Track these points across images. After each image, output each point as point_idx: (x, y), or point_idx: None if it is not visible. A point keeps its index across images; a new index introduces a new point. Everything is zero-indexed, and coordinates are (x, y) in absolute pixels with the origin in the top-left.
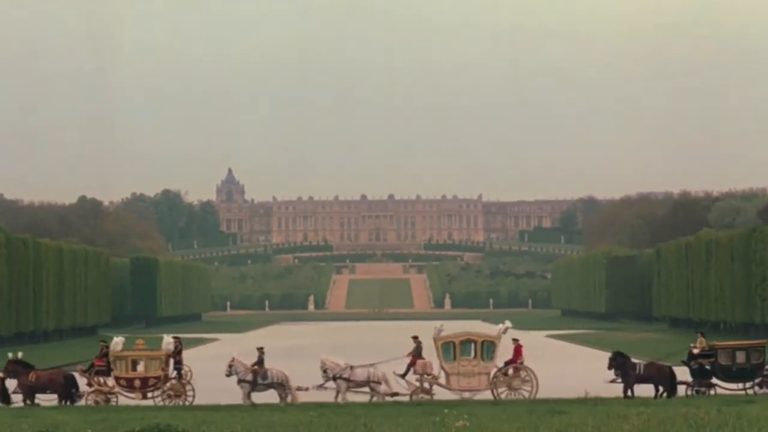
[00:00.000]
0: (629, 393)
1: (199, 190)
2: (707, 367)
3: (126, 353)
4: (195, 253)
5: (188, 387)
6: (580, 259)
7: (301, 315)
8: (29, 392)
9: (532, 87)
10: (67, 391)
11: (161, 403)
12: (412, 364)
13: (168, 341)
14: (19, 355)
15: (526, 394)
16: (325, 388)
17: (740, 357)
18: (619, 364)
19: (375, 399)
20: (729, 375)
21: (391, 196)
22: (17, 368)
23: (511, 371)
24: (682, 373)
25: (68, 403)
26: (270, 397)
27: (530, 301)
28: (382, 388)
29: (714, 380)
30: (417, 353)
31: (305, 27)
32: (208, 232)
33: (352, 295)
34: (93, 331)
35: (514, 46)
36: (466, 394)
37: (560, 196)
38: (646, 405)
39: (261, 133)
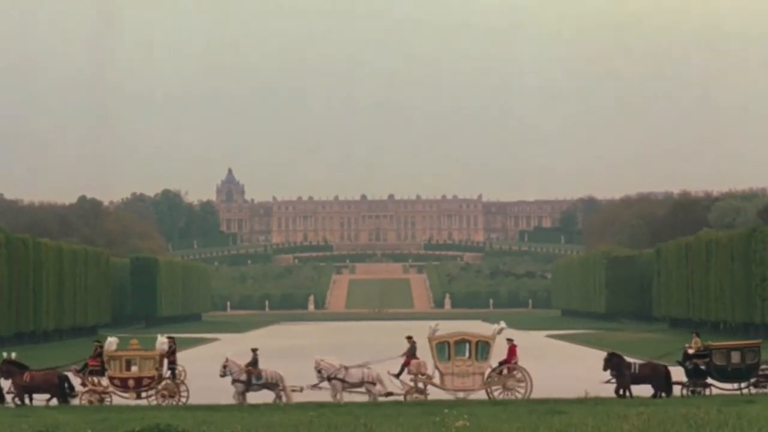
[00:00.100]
0: (624, 393)
1: (199, 190)
2: (702, 367)
3: (120, 353)
4: (195, 253)
5: (182, 387)
6: (580, 259)
7: (301, 315)
8: (23, 392)
9: (532, 87)
10: (62, 391)
11: (155, 403)
12: (406, 364)
13: (162, 341)
14: (13, 355)
15: (521, 394)
16: (320, 389)
17: (735, 357)
18: (615, 364)
19: (369, 399)
20: (724, 375)
21: (391, 196)
22: (11, 368)
23: (505, 371)
24: (678, 373)
25: (62, 403)
26: (264, 397)
27: (530, 301)
28: (377, 388)
29: (709, 380)
30: (411, 353)
31: (305, 27)
32: (208, 232)
33: (352, 295)
34: (93, 331)
35: (514, 46)
36: (461, 394)
37: (560, 196)
38: (646, 405)
39: (261, 133)
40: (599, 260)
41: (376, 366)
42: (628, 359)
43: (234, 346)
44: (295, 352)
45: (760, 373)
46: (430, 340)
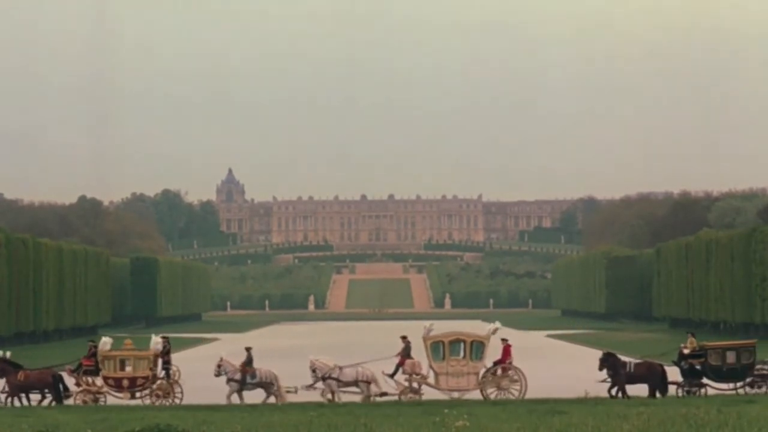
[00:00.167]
0: (619, 393)
1: (199, 190)
2: (698, 367)
3: (114, 353)
4: (195, 253)
5: (176, 387)
6: (580, 259)
7: (301, 315)
8: (18, 391)
9: (532, 87)
10: (56, 390)
11: (149, 403)
12: (400, 364)
13: (156, 341)
14: (8, 354)
15: (515, 394)
16: (314, 389)
17: (730, 357)
18: (610, 363)
19: (363, 398)
20: (719, 375)
21: (391, 196)
22: (6, 367)
23: (500, 371)
24: (673, 373)
25: (57, 402)
26: (258, 397)
27: (530, 301)
28: (371, 387)
29: (705, 380)
30: (406, 353)
31: (305, 27)
32: (208, 232)
33: (352, 295)
34: (93, 331)
35: (514, 46)
36: (455, 394)
37: (560, 196)
38: (646, 405)
39: (261, 133)
40: (599, 260)
41: (371, 366)
42: (624, 359)
43: (233, 346)
44: (293, 352)
45: (756, 373)
46: (424, 339)
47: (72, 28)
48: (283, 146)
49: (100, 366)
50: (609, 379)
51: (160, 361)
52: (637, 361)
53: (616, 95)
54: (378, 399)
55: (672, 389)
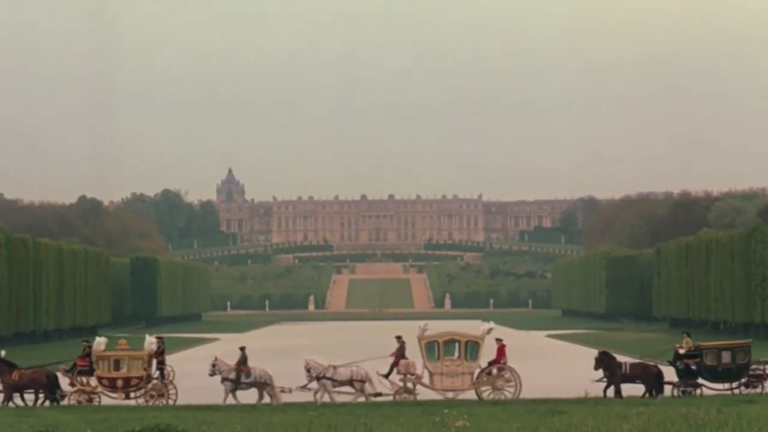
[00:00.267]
0: (614, 392)
1: (199, 190)
2: (693, 367)
3: (108, 353)
4: (195, 253)
5: (171, 387)
6: (580, 259)
7: (301, 315)
8: (12, 391)
9: (532, 87)
10: (50, 389)
11: (143, 404)
12: (395, 364)
13: (150, 341)
14: (2, 353)
15: (510, 394)
16: (309, 389)
17: (726, 357)
18: (606, 364)
19: (358, 399)
20: (715, 375)
21: (391, 196)
22: (1, 367)
23: (494, 371)
24: (669, 373)
25: (51, 402)
26: (254, 397)
27: (530, 301)
28: (366, 387)
29: (700, 380)
30: (400, 353)
31: (305, 27)
32: (208, 232)
33: (352, 295)
34: (93, 331)
35: (513, 46)
36: (450, 394)
37: (560, 196)
38: (646, 405)
39: (261, 133)
40: (599, 260)
41: (365, 365)
42: (619, 359)
43: (233, 346)
44: (288, 352)
45: (751, 373)
46: (419, 339)
47: (72, 28)
48: (283, 146)
49: (95, 366)
50: (605, 379)
51: (154, 362)
52: (633, 361)
53: (616, 95)
54: (372, 399)
55: (667, 389)
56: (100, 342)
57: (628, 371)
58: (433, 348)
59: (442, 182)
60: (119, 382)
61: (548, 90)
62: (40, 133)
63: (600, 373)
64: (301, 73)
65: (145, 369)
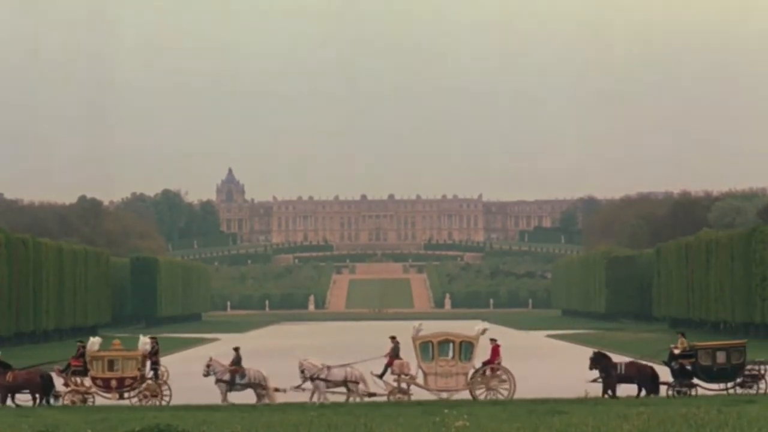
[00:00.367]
0: (610, 393)
1: (199, 190)
2: (688, 367)
3: (102, 353)
4: (195, 253)
5: (164, 387)
6: (580, 259)
7: (301, 315)
8: (6, 392)
9: (532, 87)
10: (45, 390)
11: (137, 404)
12: (389, 365)
13: (144, 341)
14: None
15: (504, 395)
16: (303, 389)
17: (721, 357)
18: (602, 365)
19: (351, 399)
20: (710, 375)
21: (391, 196)
22: None
23: (488, 372)
24: (665, 373)
25: (45, 403)
26: (248, 397)
27: (530, 301)
28: (360, 388)
29: (695, 380)
30: (395, 353)
31: (305, 27)
32: (208, 232)
33: (352, 295)
34: (93, 331)
35: (513, 46)
36: (444, 395)
37: (560, 196)
38: (646, 405)
39: (261, 133)
40: (599, 260)
41: (360, 366)
42: (615, 359)
43: (231, 346)
44: (287, 352)
45: (746, 373)
46: (413, 340)
47: (72, 28)
48: (283, 146)
49: (89, 366)
50: (600, 380)
51: (148, 362)
52: (628, 361)
53: (616, 95)
54: (366, 399)
55: (663, 389)
56: (94, 342)
57: (623, 371)
58: (427, 348)
59: (442, 182)
60: (113, 383)
61: (548, 90)
62: (40, 133)
63: (595, 373)
64: (301, 73)
65: (139, 369)
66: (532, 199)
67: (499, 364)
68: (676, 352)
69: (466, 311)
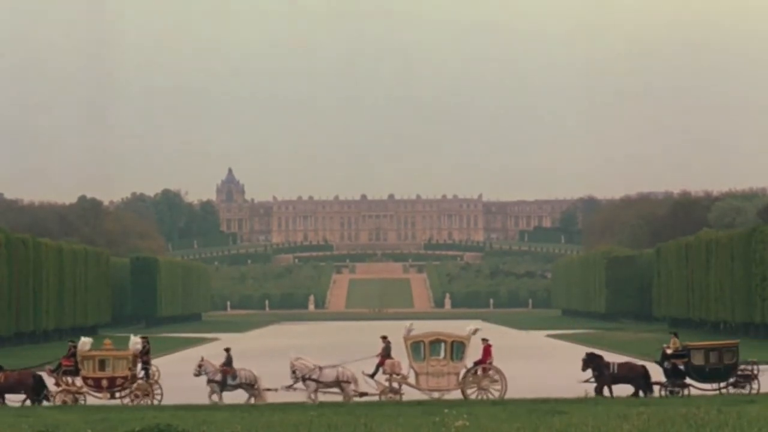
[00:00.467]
0: (603, 392)
1: (199, 190)
2: (681, 367)
3: (93, 353)
4: (195, 253)
5: (156, 387)
6: (580, 259)
7: (301, 315)
8: None
9: (533, 87)
10: (37, 391)
11: (129, 403)
12: (380, 364)
13: (135, 341)
14: None
15: (496, 395)
16: (294, 389)
17: (713, 357)
18: (594, 365)
19: (344, 399)
20: (702, 375)
21: (391, 196)
22: None
23: (480, 371)
24: (658, 373)
25: (37, 403)
26: (238, 397)
27: (530, 301)
28: (351, 387)
29: (688, 380)
30: (386, 353)
31: (305, 27)
32: (208, 232)
33: (352, 294)
34: (93, 331)
35: (513, 46)
36: (435, 394)
37: (560, 196)
38: (646, 405)
39: (261, 133)
40: (599, 260)
41: (351, 366)
42: (607, 359)
43: (235, 346)
44: (285, 352)
45: (739, 373)
46: (405, 339)
47: (72, 27)
48: (283, 146)
49: (80, 366)
50: (593, 380)
51: (139, 362)
52: (620, 361)
53: (616, 95)
54: (357, 399)
55: (656, 389)
56: (85, 342)
57: (615, 371)
58: (418, 348)
59: (442, 182)
60: (104, 382)
61: (548, 90)
62: (40, 133)
63: (588, 373)
64: (302, 73)
65: (130, 369)
66: (532, 199)
67: (490, 363)
68: (669, 351)
69: (466, 311)
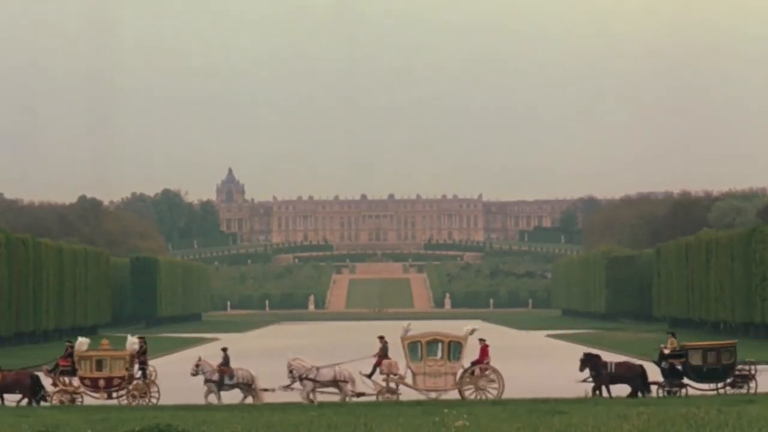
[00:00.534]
0: (601, 392)
1: (199, 190)
2: (678, 367)
3: (90, 353)
4: (195, 253)
5: (153, 387)
6: (580, 259)
7: (301, 315)
8: None
9: (532, 87)
10: (34, 391)
11: (126, 403)
12: (378, 364)
13: (132, 341)
14: None
15: (493, 395)
16: (292, 389)
17: (711, 357)
18: (592, 364)
19: (340, 399)
20: (700, 375)
21: (391, 196)
22: None
23: (477, 371)
24: (655, 373)
25: (35, 403)
26: (234, 396)
27: (530, 301)
28: (348, 387)
29: (685, 380)
30: (383, 353)
31: (305, 27)
32: (208, 232)
33: (352, 294)
34: (93, 331)
35: (513, 47)
36: (433, 395)
37: (560, 196)
38: (646, 405)
39: (261, 133)
40: (599, 260)
41: (349, 366)
42: (605, 359)
43: (235, 346)
44: (284, 352)
45: (737, 373)
46: (402, 339)
47: (72, 27)
48: (283, 146)
49: (77, 366)
50: (590, 379)
51: (136, 362)
52: (618, 361)
53: (616, 95)
54: (354, 399)
55: (653, 389)
56: (82, 342)
57: (613, 371)
58: (416, 348)
59: (442, 182)
60: (101, 382)
61: (548, 90)
62: (40, 133)
63: (585, 373)
64: (301, 73)
65: (127, 369)
66: (532, 199)
67: (487, 363)
68: (666, 351)
69: (466, 311)
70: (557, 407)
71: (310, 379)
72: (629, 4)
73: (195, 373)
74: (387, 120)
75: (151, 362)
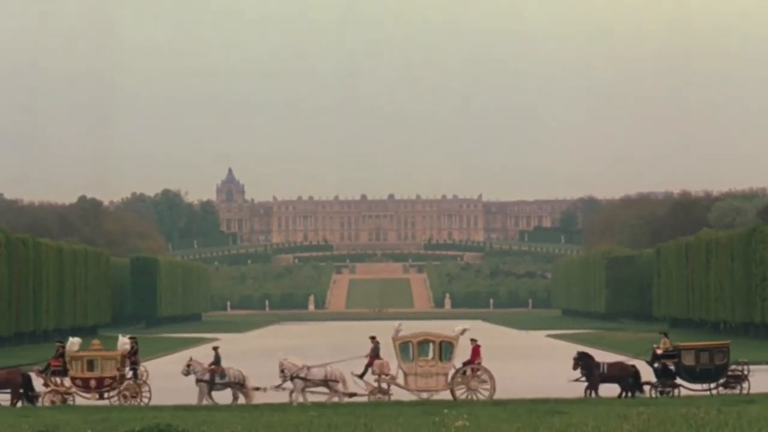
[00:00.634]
0: (593, 393)
1: (199, 190)
2: (671, 367)
3: (82, 353)
4: (195, 253)
5: (144, 387)
6: (580, 259)
7: (301, 315)
8: None
9: (532, 87)
10: (25, 389)
11: (117, 404)
12: (369, 365)
13: (124, 341)
14: None
15: (485, 395)
16: (283, 389)
17: (704, 358)
18: (584, 364)
19: (337, 399)
20: (693, 375)
21: (391, 196)
22: None
23: (469, 372)
24: (648, 373)
25: (27, 402)
26: (226, 397)
27: (530, 301)
28: (340, 387)
29: (678, 381)
30: (375, 353)
31: (305, 27)
32: (208, 232)
33: (352, 294)
34: (93, 331)
35: (513, 47)
36: (424, 395)
37: (560, 196)
38: (646, 405)
39: (261, 133)
40: (599, 260)
41: (340, 366)
42: (602, 359)
43: (231, 346)
44: (269, 353)
45: (730, 373)
46: (393, 340)
47: (72, 27)
48: (283, 146)
49: (68, 366)
50: (583, 379)
51: (128, 362)
52: (611, 361)
53: (617, 95)
54: (346, 399)
55: (646, 389)
56: (73, 342)
57: (605, 371)
58: (407, 348)
59: (442, 182)
60: (92, 383)
61: (548, 90)
62: (40, 133)
63: (578, 373)
64: (301, 73)
65: (118, 369)
66: (532, 199)
67: (479, 364)
68: (659, 352)
69: (466, 311)
70: (557, 407)
71: (301, 378)
72: (629, 4)
73: (187, 373)
74: (387, 120)
75: (150, 362)
